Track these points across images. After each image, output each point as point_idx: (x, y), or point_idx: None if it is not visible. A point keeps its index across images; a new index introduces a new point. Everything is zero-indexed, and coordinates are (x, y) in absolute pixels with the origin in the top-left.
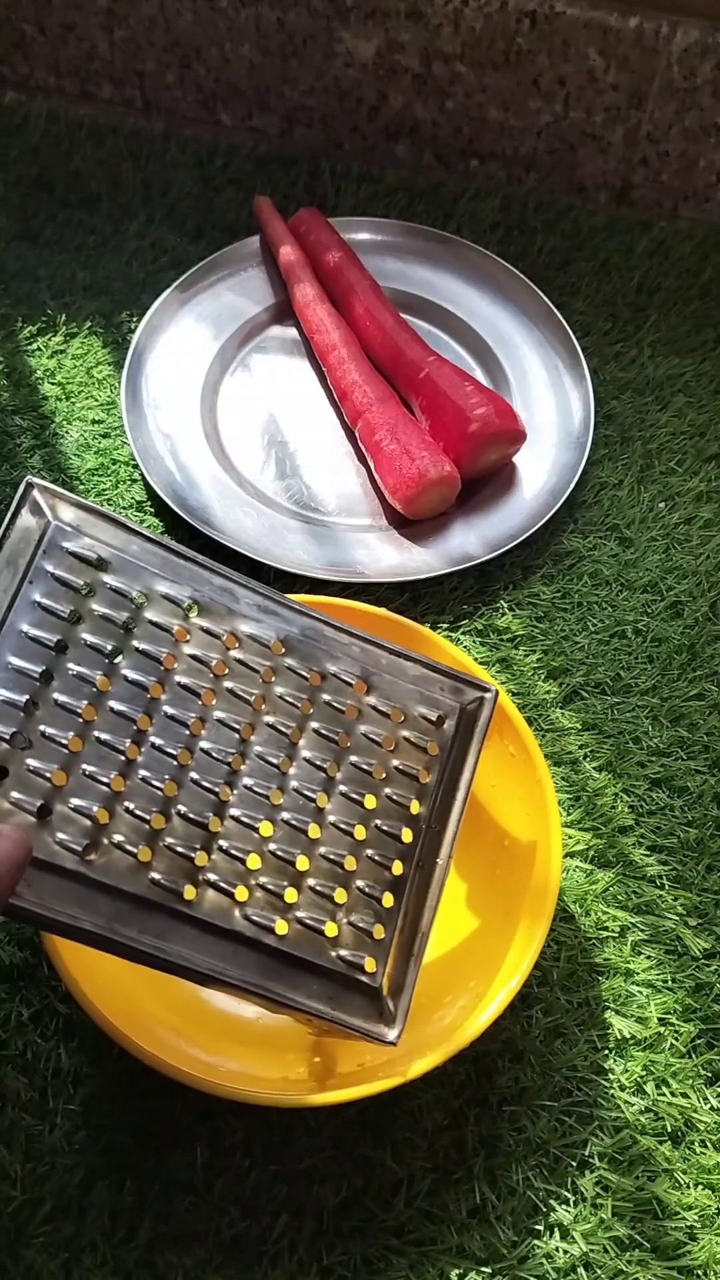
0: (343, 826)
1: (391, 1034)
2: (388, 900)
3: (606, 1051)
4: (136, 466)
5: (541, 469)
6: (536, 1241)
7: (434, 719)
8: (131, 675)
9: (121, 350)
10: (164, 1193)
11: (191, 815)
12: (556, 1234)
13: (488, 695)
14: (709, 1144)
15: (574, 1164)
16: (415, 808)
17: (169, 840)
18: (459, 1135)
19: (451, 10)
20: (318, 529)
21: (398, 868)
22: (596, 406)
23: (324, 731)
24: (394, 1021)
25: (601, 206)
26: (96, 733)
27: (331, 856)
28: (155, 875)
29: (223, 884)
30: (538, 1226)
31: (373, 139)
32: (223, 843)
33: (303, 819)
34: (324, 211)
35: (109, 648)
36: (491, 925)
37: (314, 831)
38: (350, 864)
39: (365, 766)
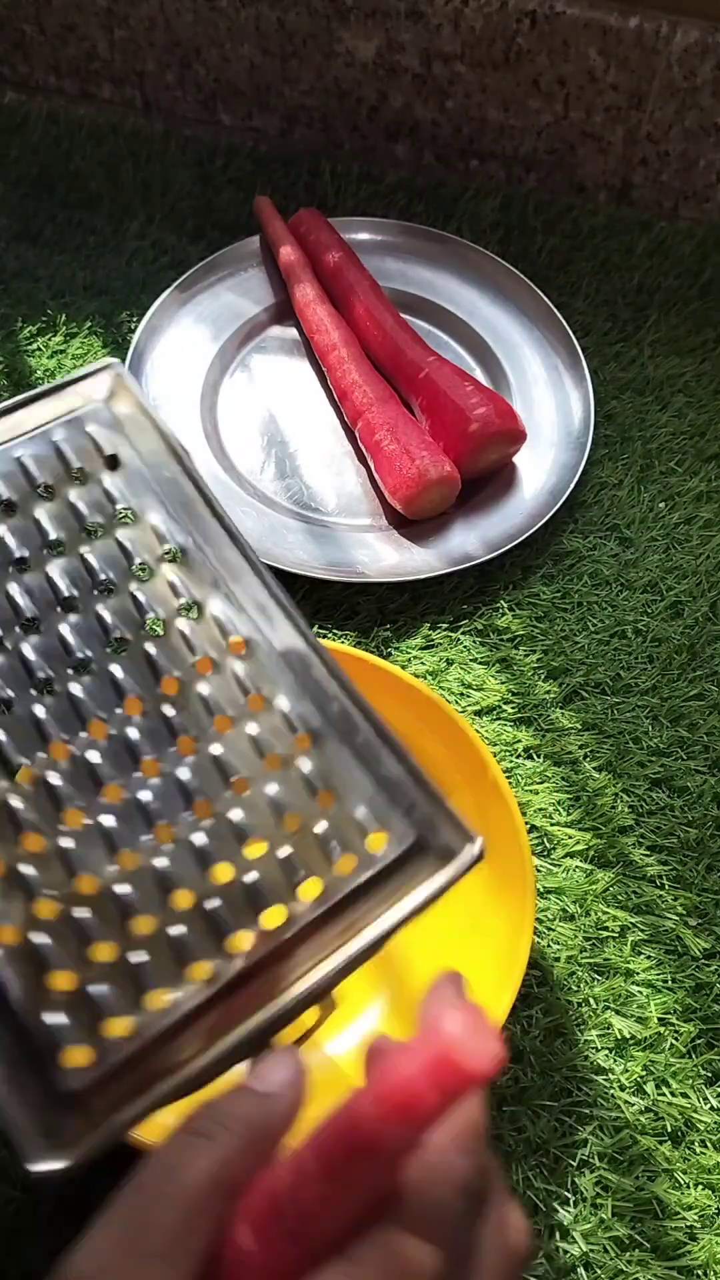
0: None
1: (43, 1166)
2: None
3: (606, 1051)
4: None
5: (541, 469)
6: (536, 1241)
7: (369, 831)
8: (54, 573)
9: (121, 350)
10: None
11: None
12: (556, 1234)
13: (473, 845)
14: (709, 1144)
15: (574, 1164)
16: (272, 919)
17: None
18: None
19: (451, 10)
20: (318, 529)
21: (205, 971)
22: (596, 406)
23: (222, 759)
24: (61, 1150)
25: (601, 206)
26: None
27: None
28: None
29: None
30: (538, 1226)
31: (373, 139)
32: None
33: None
34: (324, 211)
35: (52, 536)
36: (490, 926)
37: (92, 885)
38: (111, 950)
39: (233, 829)
